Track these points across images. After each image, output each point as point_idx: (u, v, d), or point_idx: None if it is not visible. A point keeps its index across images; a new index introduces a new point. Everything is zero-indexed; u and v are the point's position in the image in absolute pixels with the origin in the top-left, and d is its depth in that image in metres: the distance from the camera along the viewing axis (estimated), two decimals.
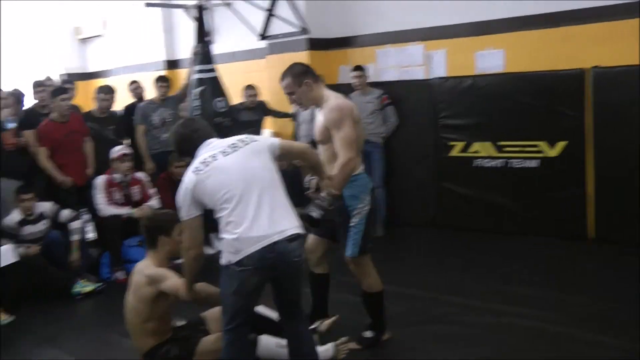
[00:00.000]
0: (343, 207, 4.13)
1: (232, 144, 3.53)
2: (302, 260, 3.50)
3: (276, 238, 3.33)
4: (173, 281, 3.82)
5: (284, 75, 4.22)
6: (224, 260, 3.37)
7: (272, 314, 4.12)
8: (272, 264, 3.33)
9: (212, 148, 3.52)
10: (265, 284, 3.47)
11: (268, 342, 4.03)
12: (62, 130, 6.73)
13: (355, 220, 4.17)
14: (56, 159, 6.73)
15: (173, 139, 3.71)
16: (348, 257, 4.25)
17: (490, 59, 7.13)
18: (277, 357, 3.99)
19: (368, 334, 4.41)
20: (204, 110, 7.24)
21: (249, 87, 8.17)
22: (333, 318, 4.53)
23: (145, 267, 4.02)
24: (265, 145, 3.59)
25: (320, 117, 4.22)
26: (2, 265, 5.52)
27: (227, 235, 3.34)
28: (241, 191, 3.35)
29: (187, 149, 3.63)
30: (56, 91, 6.92)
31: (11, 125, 6.81)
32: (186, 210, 3.44)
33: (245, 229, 3.30)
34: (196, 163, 3.47)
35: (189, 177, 3.43)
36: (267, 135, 8.66)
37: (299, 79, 4.16)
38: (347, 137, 4.00)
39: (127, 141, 7.66)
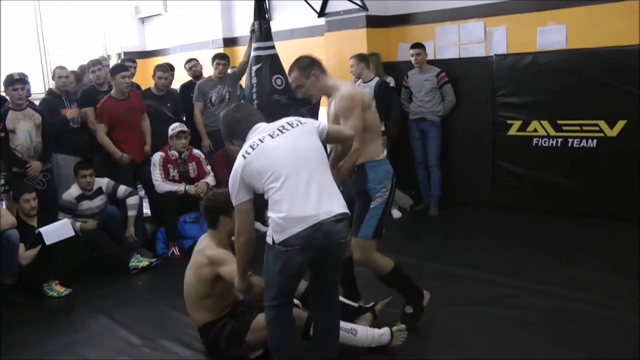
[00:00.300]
0: (364, 190, 4.13)
1: (281, 126, 3.55)
2: (347, 241, 3.48)
3: (323, 218, 3.30)
4: (232, 267, 3.82)
5: (291, 69, 4.24)
6: (270, 239, 3.36)
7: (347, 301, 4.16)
8: (319, 245, 3.31)
9: (260, 132, 3.54)
10: (311, 263, 3.45)
11: None
12: (121, 107, 6.81)
13: (376, 203, 4.14)
14: (114, 136, 6.82)
15: (224, 122, 3.73)
16: (358, 238, 4.17)
17: (552, 34, 6.93)
18: (343, 341, 3.95)
19: (408, 309, 4.37)
20: (261, 87, 7.24)
21: None
22: (387, 299, 4.50)
23: (207, 247, 4.05)
24: (313, 128, 3.60)
25: (332, 106, 4.20)
26: (59, 240, 5.62)
27: (274, 214, 3.32)
28: (288, 171, 3.35)
29: (236, 132, 3.64)
30: (116, 68, 7.00)
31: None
32: (236, 194, 3.45)
33: (291, 208, 3.28)
34: (245, 147, 3.48)
35: (238, 161, 3.45)
36: (321, 116, 8.66)
37: (306, 71, 4.17)
38: (355, 128, 3.96)
39: (184, 119, 7.74)
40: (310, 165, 3.42)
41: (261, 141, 3.45)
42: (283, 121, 3.61)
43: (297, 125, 3.58)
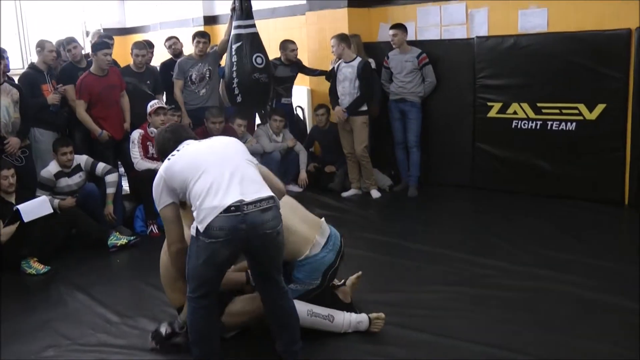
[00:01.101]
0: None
1: (209, 139, 3.70)
2: (276, 231, 3.37)
3: (247, 201, 3.25)
4: None
5: None
6: (193, 230, 3.31)
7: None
8: (245, 237, 3.26)
9: (187, 143, 3.61)
10: (238, 255, 3.46)
11: (300, 309, 3.86)
12: (100, 83, 6.77)
13: (294, 287, 3.95)
14: (94, 113, 6.77)
15: (157, 140, 3.79)
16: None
17: (534, 17, 6.93)
18: (310, 325, 3.97)
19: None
20: (241, 66, 7.25)
21: (291, 42, 8.09)
22: (357, 274, 4.51)
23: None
24: (241, 143, 3.70)
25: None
26: (38, 217, 5.58)
27: (195, 204, 3.31)
28: (210, 165, 3.37)
29: (167, 150, 3.64)
30: (98, 45, 6.94)
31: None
32: (159, 198, 3.47)
33: (213, 197, 3.25)
34: (171, 153, 3.54)
35: (163, 166, 3.49)
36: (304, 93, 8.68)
37: None
38: None
39: (164, 96, 7.71)
40: (234, 164, 3.43)
41: (187, 145, 3.55)
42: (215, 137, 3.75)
43: (228, 138, 3.73)
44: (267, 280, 3.56)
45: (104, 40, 7.22)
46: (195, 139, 3.72)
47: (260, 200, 3.29)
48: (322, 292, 4.08)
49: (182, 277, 3.64)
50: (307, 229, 4.03)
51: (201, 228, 3.23)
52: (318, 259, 3.99)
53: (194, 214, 3.31)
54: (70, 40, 7.34)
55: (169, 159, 3.47)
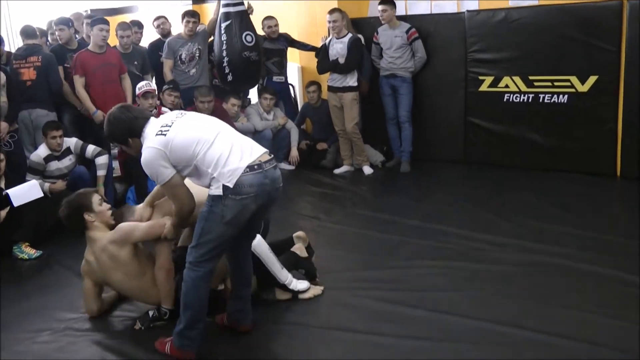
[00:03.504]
0: None
1: (179, 113, 3.68)
2: (282, 186, 3.63)
3: (267, 166, 3.46)
4: (143, 227, 3.90)
5: None
6: (219, 190, 3.37)
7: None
8: (269, 190, 3.47)
9: (160, 120, 3.58)
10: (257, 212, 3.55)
11: (262, 245, 4.14)
12: (96, 60, 6.77)
13: None
14: (90, 92, 6.77)
15: (117, 124, 3.63)
16: None
17: None
18: (263, 258, 4.14)
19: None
20: (231, 44, 7.22)
21: (268, 18, 8.00)
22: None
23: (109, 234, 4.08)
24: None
25: None
26: (28, 201, 5.56)
27: (216, 169, 3.37)
28: (213, 135, 3.46)
29: (134, 129, 3.58)
30: (95, 21, 6.96)
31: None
32: (162, 173, 3.45)
33: (233, 159, 3.38)
34: (156, 130, 3.49)
35: (155, 141, 3.43)
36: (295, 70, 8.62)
37: None
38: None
39: (152, 76, 7.67)
40: (234, 133, 3.60)
41: (172, 122, 3.51)
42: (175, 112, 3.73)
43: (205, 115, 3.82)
44: (252, 234, 3.84)
45: (101, 17, 7.21)
46: (153, 115, 3.81)
47: (270, 160, 3.53)
48: (285, 247, 4.46)
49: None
50: None
51: (231, 185, 3.34)
52: None
53: (214, 176, 3.38)
54: (59, 22, 7.28)
55: (163, 135, 3.43)
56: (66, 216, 4.17)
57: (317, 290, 4.34)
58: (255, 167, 3.38)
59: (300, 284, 4.29)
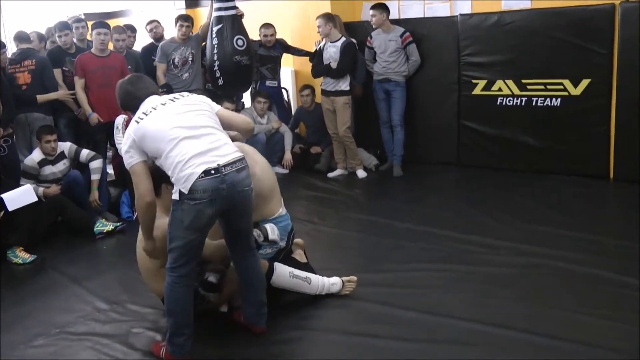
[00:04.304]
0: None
1: (172, 97, 3.68)
2: (251, 188, 3.60)
3: (223, 163, 3.42)
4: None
5: None
6: (176, 195, 3.41)
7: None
8: (226, 195, 3.43)
9: (151, 102, 3.63)
10: (217, 217, 3.55)
11: (282, 271, 4.12)
12: (96, 62, 6.80)
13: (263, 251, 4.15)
14: (89, 95, 6.81)
15: (118, 93, 3.80)
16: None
17: None
18: (290, 287, 4.17)
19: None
20: (222, 48, 7.24)
21: (266, 26, 7.99)
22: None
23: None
24: (204, 101, 3.76)
25: None
26: (22, 205, 5.54)
27: (177, 172, 3.39)
28: (182, 134, 3.44)
29: (128, 103, 3.76)
30: (95, 24, 7.02)
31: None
32: (129, 157, 3.51)
33: (191, 164, 3.37)
34: (138, 114, 3.57)
35: (131, 127, 3.53)
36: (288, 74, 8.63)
37: None
38: None
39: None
40: (205, 130, 3.55)
41: (154, 108, 3.55)
42: (173, 95, 3.75)
43: (188, 96, 3.74)
44: (241, 241, 3.76)
45: (101, 20, 7.26)
46: (157, 92, 3.78)
47: (235, 162, 3.48)
48: (286, 255, 4.34)
49: (149, 235, 3.73)
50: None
51: (185, 190, 3.35)
52: (286, 218, 4.31)
53: (173, 179, 3.42)
54: (62, 27, 7.29)
55: (137, 122, 3.50)
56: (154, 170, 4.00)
57: (351, 283, 4.36)
58: (212, 171, 3.36)
59: (333, 287, 4.29)
